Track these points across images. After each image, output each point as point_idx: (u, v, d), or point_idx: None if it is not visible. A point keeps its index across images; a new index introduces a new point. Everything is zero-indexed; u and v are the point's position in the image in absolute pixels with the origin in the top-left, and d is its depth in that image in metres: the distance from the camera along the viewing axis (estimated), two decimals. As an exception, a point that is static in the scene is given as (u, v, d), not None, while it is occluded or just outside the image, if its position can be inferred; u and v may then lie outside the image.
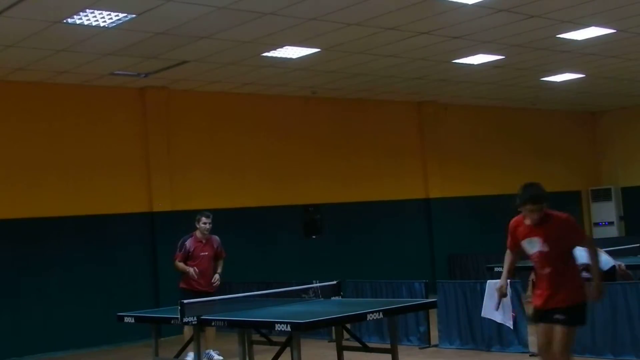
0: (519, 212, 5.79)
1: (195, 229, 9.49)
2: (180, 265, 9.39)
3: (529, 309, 6.47)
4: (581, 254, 6.05)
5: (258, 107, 13.75)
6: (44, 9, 8.05)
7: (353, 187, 14.92)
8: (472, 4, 8.92)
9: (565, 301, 5.59)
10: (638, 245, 11.82)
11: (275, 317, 6.50)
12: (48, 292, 11.33)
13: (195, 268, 9.30)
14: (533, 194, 5.61)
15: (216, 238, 9.61)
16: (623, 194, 19.12)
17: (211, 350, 9.39)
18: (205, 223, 9.39)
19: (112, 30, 8.91)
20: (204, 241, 9.44)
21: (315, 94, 14.10)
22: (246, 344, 7.20)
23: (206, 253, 9.42)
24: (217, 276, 9.52)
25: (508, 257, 6.06)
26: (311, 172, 14.38)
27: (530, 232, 5.70)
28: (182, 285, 9.44)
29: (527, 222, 5.71)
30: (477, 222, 16.17)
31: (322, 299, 8.38)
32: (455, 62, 12.25)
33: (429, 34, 10.21)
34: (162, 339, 8.59)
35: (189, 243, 9.42)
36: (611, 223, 18.93)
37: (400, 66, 12.17)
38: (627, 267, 11.11)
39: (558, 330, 5.58)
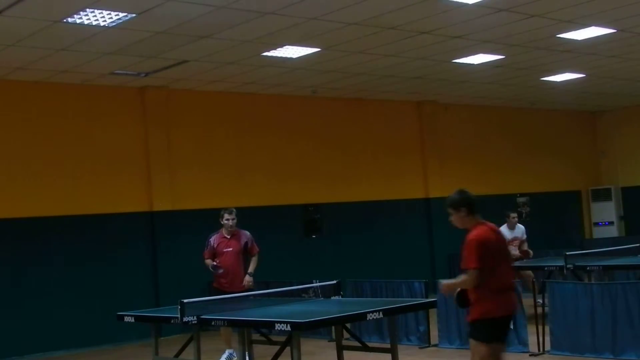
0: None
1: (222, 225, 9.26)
2: (207, 262, 9.16)
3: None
4: None
5: (258, 107, 13.74)
6: (44, 8, 8.05)
7: (353, 187, 14.92)
8: (472, 4, 8.92)
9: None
10: (638, 245, 11.81)
11: (275, 316, 6.50)
12: (48, 292, 11.33)
13: (217, 261, 9.06)
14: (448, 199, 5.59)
15: (245, 233, 9.31)
16: (623, 194, 19.12)
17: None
18: (227, 220, 9.11)
19: (112, 30, 8.91)
20: (228, 237, 9.18)
21: (315, 94, 14.10)
22: (246, 344, 7.20)
23: (230, 249, 9.14)
24: (247, 277, 9.16)
25: None
26: (311, 171, 14.38)
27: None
28: (214, 284, 9.29)
29: None
30: (477, 222, 16.14)
31: (322, 298, 8.39)
32: (455, 62, 12.25)
33: (429, 33, 10.21)
34: (162, 338, 8.57)
35: (213, 239, 9.19)
36: (611, 223, 18.94)
37: (400, 66, 12.17)
38: (627, 267, 11.13)
39: None
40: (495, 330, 5.41)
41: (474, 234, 5.44)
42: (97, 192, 11.88)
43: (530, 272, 12.13)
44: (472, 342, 5.53)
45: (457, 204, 5.53)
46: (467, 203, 5.52)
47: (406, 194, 15.75)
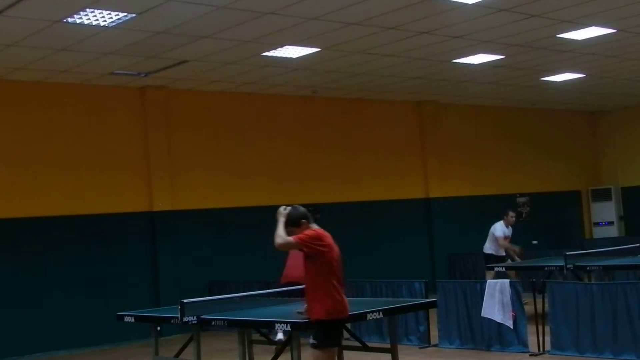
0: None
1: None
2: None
3: None
4: None
5: (258, 107, 13.74)
6: (44, 8, 8.05)
7: (353, 187, 14.91)
8: (472, 4, 8.92)
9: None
10: (638, 245, 11.82)
11: (275, 316, 6.50)
12: (48, 292, 11.33)
13: None
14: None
15: None
16: (623, 194, 19.13)
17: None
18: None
19: (112, 30, 8.91)
20: None
21: (315, 94, 14.09)
22: (246, 344, 7.20)
23: None
24: None
25: None
26: (311, 172, 14.37)
27: None
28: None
29: None
30: (477, 222, 16.15)
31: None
32: (455, 62, 12.25)
33: (429, 33, 10.21)
34: (162, 338, 8.57)
35: None
36: (611, 223, 18.94)
37: (400, 66, 12.17)
38: (627, 267, 11.14)
39: None
40: None
41: None
42: (97, 192, 11.88)
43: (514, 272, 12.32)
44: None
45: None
46: None
47: (406, 194, 15.74)
